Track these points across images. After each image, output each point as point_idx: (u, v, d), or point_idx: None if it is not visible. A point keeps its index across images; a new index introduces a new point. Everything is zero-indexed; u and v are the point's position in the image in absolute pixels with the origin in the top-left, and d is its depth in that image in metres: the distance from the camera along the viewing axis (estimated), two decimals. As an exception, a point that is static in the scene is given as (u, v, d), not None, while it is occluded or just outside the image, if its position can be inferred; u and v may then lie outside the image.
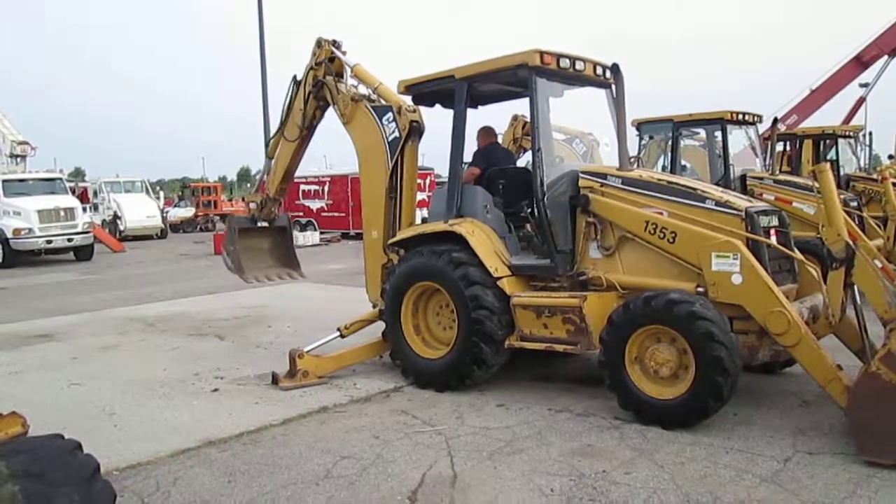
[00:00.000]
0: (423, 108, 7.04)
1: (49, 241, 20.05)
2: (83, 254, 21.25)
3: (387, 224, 7.03)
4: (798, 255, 5.55)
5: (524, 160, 9.01)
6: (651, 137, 11.85)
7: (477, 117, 7.27)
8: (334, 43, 7.28)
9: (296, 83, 7.61)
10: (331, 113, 7.50)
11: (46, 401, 6.22)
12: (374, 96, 7.12)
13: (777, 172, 11.38)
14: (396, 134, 6.79)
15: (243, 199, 8.16)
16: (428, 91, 6.79)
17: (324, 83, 7.29)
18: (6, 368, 7.61)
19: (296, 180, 30.26)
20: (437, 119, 7.06)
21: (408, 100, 6.86)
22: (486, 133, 7.34)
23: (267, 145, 8.41)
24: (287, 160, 7.95)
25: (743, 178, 10.64)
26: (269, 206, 8.26)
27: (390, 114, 6.84)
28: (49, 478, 2.38)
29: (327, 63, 7.28)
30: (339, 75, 7.32)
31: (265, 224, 8.43)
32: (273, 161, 8.12)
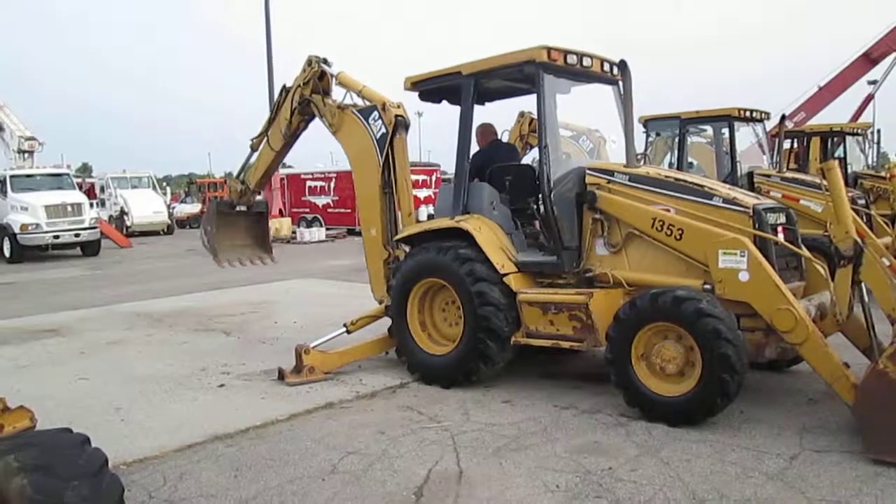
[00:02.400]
0: (429, 105, 7.11)
1: (56, 237, 20.14)
2: (90, 249, 21.34)
3: (384, 220, 7.13)
4: (805, 252, 5.52)
5: (531, 157, 8.99)
6: (658, 134, 11.82)
7: (483, 113, 7.27)
8: (325, 61, 7.52)
9: (285, 91, 7.85)
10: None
11: (54, 395, 6.24)
12: (360, 102, 7.29)
13: (784, 170, 11.32)
14: (383, 130, 6.94)
15: (225, 182, 8.73)
16: (434, 87, 6.79)
17: (310, 101, 7.55)
18: (14, 363, 7.65)
19: (302, 177, 30.67)
20: (443, 115, 7.08)
21: (396, 98, 7.02)
22: (485, 131, 7.30)
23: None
24: (269, 161, 8.35)
25: (750, 175, 10.60)
26: (248, 195, 8.70)
27: (375, 112, 7.01)
28: (57, 471, 2.39)
29: (315, 81, 7.51)
30: (327, 93, 7.54)
31: (244, 209, 8.90)
32: (256, 157, 8.45)
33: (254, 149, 8.42)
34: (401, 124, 6.91)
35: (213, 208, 8.95)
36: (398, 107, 6.95)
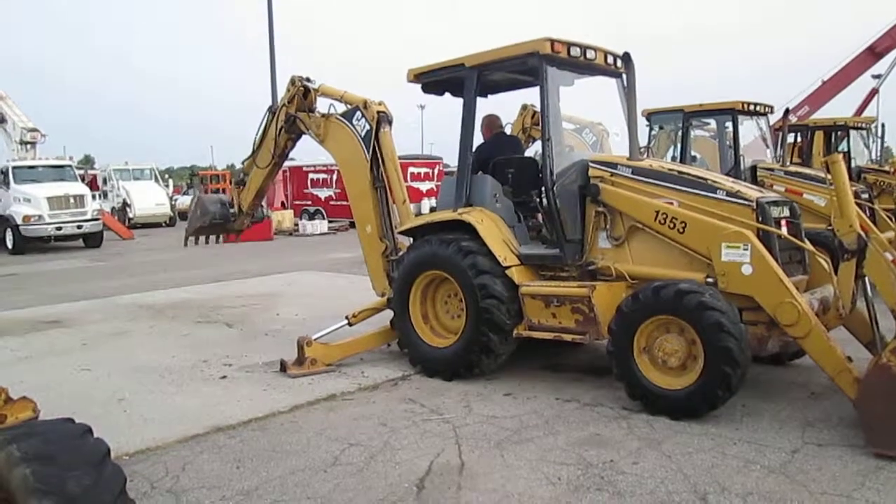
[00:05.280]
0: (432, 97, 7.14)
1: (59, 228, 20.18)
2: (92, 241, 21.37)
3: (378, 215, 7.24)
4: (809, 246, 5.50)
5: (534, 150, 8.97)
6: (661, 127, 11.79)
7: (486, 106, 7.26)
8: (307, 79, 7.77)
9: (271, 113, 8.10)
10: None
11: (56, 386, 6.26)
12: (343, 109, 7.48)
13: (788, 164, 11.29)
14: (367, 127, 7.15)
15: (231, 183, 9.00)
16: (437, 79, 6.78)
17: (296, 118, 7.77)
18: (17, 354, 7.67)
19: (304, 169, 30.67)
20: (446, 108, 7.11)
21: (376, 101, 7.17)
22: (490, 123, 7.30)
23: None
24: (259, 182, 8.58)
25: (753, 168, 10.56)
26: (242, 219, 9.03)
27: (358, 112, 7.25)
28: (60, 461, 2.39)
29: (300, 98, 7.74)
30: (311, 110, 7.75)
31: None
32: (247, 180, 8.72)
33: (245, 171, 8.70)
34: (384, 119, 7.13)
35: (209, 217, 9.12)
36: (380, 104, 7.20)
